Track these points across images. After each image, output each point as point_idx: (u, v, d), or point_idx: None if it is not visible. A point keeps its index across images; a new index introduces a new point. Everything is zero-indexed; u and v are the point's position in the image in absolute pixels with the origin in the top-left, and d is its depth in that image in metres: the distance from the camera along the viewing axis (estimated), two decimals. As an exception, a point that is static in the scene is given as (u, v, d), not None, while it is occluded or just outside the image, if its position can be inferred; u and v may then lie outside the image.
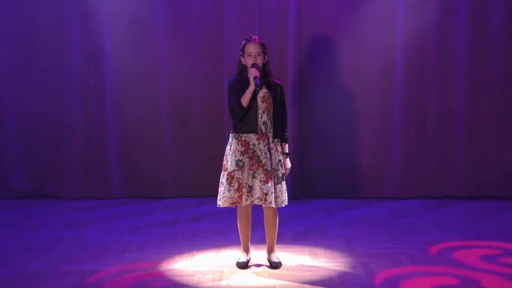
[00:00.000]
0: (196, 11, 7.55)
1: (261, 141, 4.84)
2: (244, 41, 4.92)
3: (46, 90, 7.59)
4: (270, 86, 4.90)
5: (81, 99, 7.60)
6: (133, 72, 7.59)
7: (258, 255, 5.25)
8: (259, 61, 4.84)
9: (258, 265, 5.05)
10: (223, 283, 4.68)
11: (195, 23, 7.56)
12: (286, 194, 4.92)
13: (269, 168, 4.80)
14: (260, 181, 4.79)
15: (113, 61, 7.56)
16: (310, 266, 5.05)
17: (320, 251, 5.45)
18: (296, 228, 6.26)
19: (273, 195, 4.80)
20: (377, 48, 7.51)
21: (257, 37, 4.92)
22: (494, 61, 7.46)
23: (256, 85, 4.73)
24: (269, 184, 4.78)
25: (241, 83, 4.86)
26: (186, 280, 4.74)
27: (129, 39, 7.55)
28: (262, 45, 4.88)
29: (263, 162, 4.81)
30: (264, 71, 4.89)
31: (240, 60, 4.94)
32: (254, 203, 4.83)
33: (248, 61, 4.84)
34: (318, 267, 5.01)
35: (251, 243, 5.20)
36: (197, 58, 7.59)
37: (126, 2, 7.51)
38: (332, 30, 7.53)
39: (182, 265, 5.10)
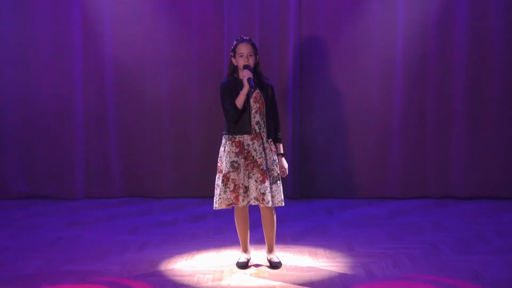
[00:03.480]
0: (196, 11, 7.55)
1: (256, 141, 4.84)
2: (235, 42, 4.93)
3: (46, 90, 7.58)
4: (262, 87, 4.91)
5: (81, 99, 7.59)
6: (133, 72, 7.59)
7: (258, 255, 5.25)
8: (251, 61, 4.84)
9: (258, 265, 5.05)
10: (223, 283, 4.68)
11: (195, 23, 7.56)
12: (282, 194, 4.92)
13: (265, 168, 4.81)
14: (256, 181, 4.80)
15: (113, 61, 7.55)
16: (310, 266, 5.05)
17: (320, 251, 5.45)
18: (296, 228, 6.26)
19: (270, 194, 4.81)
20: (377, 48, 7.51)
21: (248, 38, 4.94)
22: (494, 61, 7.45)
23: (250, 86, 4.74)
24: (266, 183, 4.79)
25: (233, 84, 4.87)
26: (186, 280, 4.74)
27: (129, 39, 7.55)
28: (254, 46, 4.90)
29: (258, 162, 4.81)
30: (255, 71, 4.89)
31: (231, 61, 4.94)
32: (250, 203, 4.84)
33: (240, 62, 4.84)
34: (318, 267, 5.02)
35: (250, 243, 5.20)
36: (197, 58, 7.59)
37: (126, 2, 7.51)
38: (332, 30, 7.53)
39: (182, 265, 5.10)
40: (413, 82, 7.52)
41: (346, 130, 7.60)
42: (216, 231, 6.17)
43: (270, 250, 5.05)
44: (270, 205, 4.81)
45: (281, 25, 7.51)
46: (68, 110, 7.61)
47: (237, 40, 4.93)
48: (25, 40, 7.54)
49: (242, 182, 4.81)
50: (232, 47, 4.92)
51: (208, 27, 7.56)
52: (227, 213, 6.66)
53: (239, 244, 5.23)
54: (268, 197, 4.78)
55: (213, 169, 7.44)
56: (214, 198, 4.90)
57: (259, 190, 4.78)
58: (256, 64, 4.90)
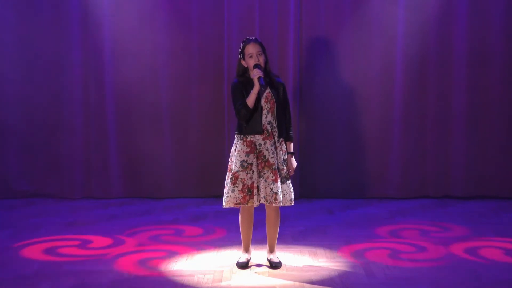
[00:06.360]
0: (196, 11, 7.55)
1: (268, 141, 4.84)
2: (242, 44, 4.92)
3: (47, 90, 7.58)
4: (273, 86, 4.91)
5: (81, 99, 7.59)
6: (133, 73, 7.58)
7: (258, 255, 5.25)
8: (261, 60, 4.84)
9: (258, 265, 5.05)
10: (223, 283, 4.68)
11: (195, 23, 7.55)
12: (293, 193, 4.93)
13: (276, 168, 4.81)
14: (266, 180, 4.80)
15: (113, 62, 7.55)
16: (310, 266, 5.05)
17: (320, 251, 5.45)
18: (296, 228, 6.27)
19: (281, 194, 4.82)
20: (377, 48, 7.50)
21: (254, 37, 4.94)
22: (494, 61, 7.45)
23: (261, 85, 4.73)
24: (278, 183, 4.79)
25: (244, 84, 4.86)
26: (186, 280, 4.74)
27: (129, 39, 7.54)
28: (261, 45, 4.90)
29: (270, 162, 4.81)
30: (265, 70, 4.89)
31: (239, 63, 4.93)
32: (261, 202, 4.84)
33: (250, 62, 4.84)
34: (318, 267, 5.02)
35: (251, 243, 5.19)
36: (197, 58, 7.59)
37: (126, 2, 7.51)
38: (332, 30, 7.53)
39: (182, 265, 5.10)
40: (413, 82, 7.52)
41: (346, 130, 7.60)
42: (216, 231, 6.17)
43: (271, 250, 5.06)
44: (281, 204, 4.82)
45: (281, 25, 7.50)
46: (69, 110, 7.60)
47: (243, 41, 4.92)
48: (25, 40, 7.54)
49: (255, 181, 4.80)
50: (240, 49, 4.90)
51: (208, 27, 7.56)
52: (228, 213, 6.67)
53: (239, 244, 5.24)
54: (280, 196, 4.80)
55: (213, 170, 7.52)
56: (223, 196, 4.91)
57: (272, 189, 4.78)
58: (265, 63, 4.90)
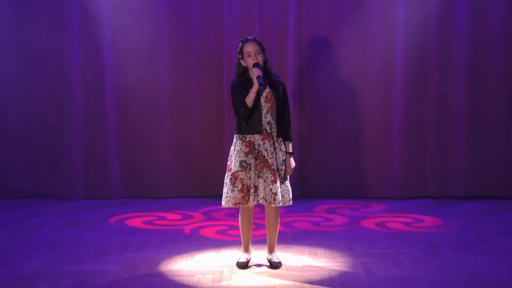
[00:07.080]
0: (196, 11, 7.55)
1: (267, 141, 4.84)
2: (240, 43, 4.92)
3: (46, 90, 7.58)
4: (273, 85, 4.90)
5: (81, 99, 7.59)
6: (133, 72, 7.58)
7: (258, 255, 5.25)
8: (260, 59, 4.84)
9: (258, 265, 5.05)
10: (223, 283, 4.68)
11: (195, 23, 7.56)
12: (291, 193, 4.94)
13: (275, 168, 4.81)
14: (265, 180, 4.80)
15: (113, 61, 7.55)
16: (310, 266, 5.05)
17: (320, 251, 5.45)
18: (296, 228, 6.26)
19: (280, 194, 4.82)
20: (377, 48, 7.51)
21: (253, 37, 4.95)
22: (494, 61, 7.46)
23: (260, 84, 4.72)
24: (277, 183, 4.79)
25: (243, 84, 4.86)
26: (186, 280, 4.74)
27: (129, 39, 7.54)
28: (260, 44, 4.90)
29: (269, 162, 4.81)
30: (264, 69, 4.89)
31: (239, 62, 4.93)
32: (259, 202, 4.84)
33: (249, 61, 4.84)
34: (318, 267, 5.02)
35: (251, 243, 5.19)
36: (197, 58, 7.59)
37: (126, 2, 7.51)
38: (332, 30, 7.53)
39: (182, 265, 5.10)
40: (413, 82, 7.52)
41: (346, 130, 7.60)
42: (216, 231, 6.17)
43: (271, 250, 5.06)
44: (280, 205, 4.82)
45: (281, 25, 7.50)
46: (68, 110, 7.60)
47: (242, 41, 4.93)
48: (25, 39, 7.54)
49: (252, 181, 4.80)
50: (239, 49, 4.91)
51: (208, 27, 7.56)
52: (228, 213, 6.67)
53: (239, 244, 5.23)
54: (279, 197, 4.80)
55: (213, 170, 7.52)
56: (222, 195, 4.91)
57: (271, 190, 4.78)
58: (265, 62, 4.90)
